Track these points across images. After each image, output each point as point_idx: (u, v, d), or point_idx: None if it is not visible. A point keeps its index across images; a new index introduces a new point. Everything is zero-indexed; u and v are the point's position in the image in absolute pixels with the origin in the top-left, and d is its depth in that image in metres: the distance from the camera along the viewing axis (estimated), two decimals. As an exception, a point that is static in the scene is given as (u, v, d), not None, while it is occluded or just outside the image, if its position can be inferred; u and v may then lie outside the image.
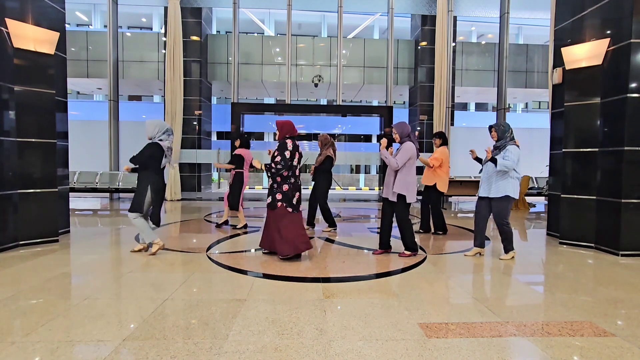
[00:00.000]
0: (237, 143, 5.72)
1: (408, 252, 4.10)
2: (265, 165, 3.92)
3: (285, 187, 3.90)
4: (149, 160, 3.96)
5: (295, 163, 3.94)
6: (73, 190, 9.17)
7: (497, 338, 2.21)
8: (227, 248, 4.52)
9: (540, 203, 10.27)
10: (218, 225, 5.91)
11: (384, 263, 3.92)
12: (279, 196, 3.89)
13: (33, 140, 4.45)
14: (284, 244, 3.85)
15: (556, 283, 3.34)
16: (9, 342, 2.08)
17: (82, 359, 1.93)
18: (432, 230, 5.60)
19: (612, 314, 2.61)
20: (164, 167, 4.14)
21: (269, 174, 3.90)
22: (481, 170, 4.20)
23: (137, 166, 4.04)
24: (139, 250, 4.19)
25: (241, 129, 10.26)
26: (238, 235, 5.33)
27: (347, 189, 17.31)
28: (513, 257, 4.11)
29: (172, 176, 9.83)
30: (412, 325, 2.36)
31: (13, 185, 4.30)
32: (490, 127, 4.14)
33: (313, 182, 5.74)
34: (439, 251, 4.51)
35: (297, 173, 4.01)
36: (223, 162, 5.77)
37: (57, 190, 4.73)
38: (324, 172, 5.58)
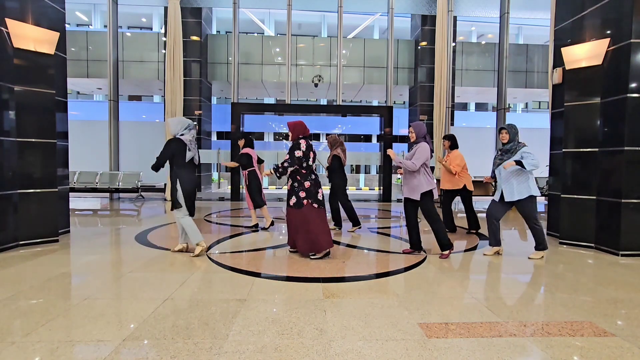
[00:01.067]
0: (242, 143, 5.72)
1: (447, 252, 4.11)
2: (274, 166, 3.95)
3: (307, 184, 3.93)
4: (172, 157, 3.92)
5: (310, 162, 3.98)
6: (73, 190, 9.17)
7: (497, 338, 2.21)
8: (227, 248, 4.52)
9: (540, 203, 10.26)
10: (251, 227, 5.79)
11: (384, 263, 3.92)
12: (302, 194, 3.91)
13: (33, 140, 4.45)
14: (314, 242, 3.89)
15: (556, 283, 3.34)
16: (9, 342, 2.08)
17: (82, 359, 1.93)
18: (467, 229, 5.78)
19: (612, 314, 2.61)
20: (192, 160, 4.02)
21: (278, 174, 3.91)
22: (493, 173, 4.22)
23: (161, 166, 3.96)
24: (180, 250, 4.18)
25: (241, 128, 10.27)
26: (239, 235, 5.33)
27: (347, 189, 17.32)
28: (543, 256, 4.13)
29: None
30: (412, 325, 2.36)
31: (13, 185, 4.30)
32: (502, 129, 4.10)
33: (330, 183, 5.81)
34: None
35: (315, 171, 4.06)
36: (222, 160, 5.79)
37: (57, 190, 4.73)
38: (335, 172, 5.63)
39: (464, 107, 23.36)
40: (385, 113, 10.29)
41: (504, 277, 3.54)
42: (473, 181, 5.67)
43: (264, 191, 5.93)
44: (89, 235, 5.35)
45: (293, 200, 3.95)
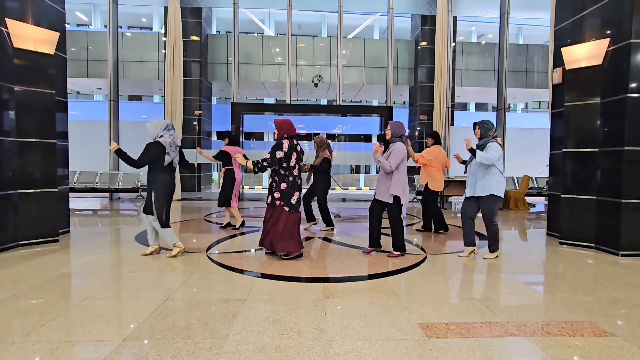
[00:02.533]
0: (226, 141, 5.69)
1: (397, 253, 4.11)
2: (254, 162, 3.88)
3: (284, 185, 3.89)
4: (152, 161, 3.87)
5: (292, 163, 3.90)
6: (73, 190, 9.17)
7: (497, 338, 2.21)
8: (227, 248, 4.52)
9: (540, 203, 10.26)
10: (223, 227, 5.86)
11: (384, 263, 3.92)
12: (277, 195, 3.90)
13: (33, 140, 4.45)
14: (284, 242, 3.87)
15: (556, 283, 3.34)
16: (9, 342, 2.08)
17: (82, 359, 1.93)
18: (433, 229, 5.61)
19: (612, 314, 2.61)
20: (171, 164, 3.96)
21: (255, 170, 3.86)
22: (465, 170, 4.21)
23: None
24: (151, 254, 4.05)
25: (241, 128, 10.27)
26: (239, 235, 5.33)
27: (347, 189, 17.30)
28: (497, 256, 4.10)
29: (172, 176, 9.82)
30: (412, 325, 2.36)
31: (13, 185, 4.30)
32: (475, 125, 4.09)
33: (311, 182, 5.81)
34: (438, 251, 4.51)
35: (296, 173, 3.98)
36: (198, 148, 5.74)
37: (57, 190, 4.73)
38: (322, 173, 5.63)
39: (464, 107, 23.35)
40: (385, 113, 10.29)
41: (504, 277, 3.54)
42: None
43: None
44: (89, 235, 5.35)
45: (269, 198, 3.95)
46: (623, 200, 4.29)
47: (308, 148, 15.09)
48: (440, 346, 2.10)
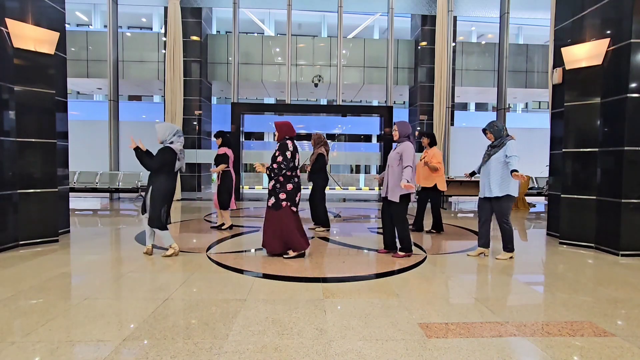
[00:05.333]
0: (219, 142, 5.59)
1: (402, 253, 4.09)
2: (267, 167, 3.89)
3: (290, 186, 3.91)
4: (163, 166, 3.87)
5: (296, 163, 3.96)
6: (73, 190, 9.17)
7: (497, 338, 2.21)
8: (227, 248, 4.52)
9: (540, 203, 10.26)
10: (216, 227, 5.84)
11: (384, 263, 3.92)
12: (282, 196, 3.88)
13: (33, 140, 4.45)
14: (288, 242, 3.89)
15: (556, 283, 3.34)
16: (9, 342, 2.08)
17: (82, 359, 1.93)
18: (425, 229, 5.64)
19: (612, 314, 2.61)
20: (177, 171, 4.03)
21: (272, 175, 3.88)
22: (476, 172, 4.20)
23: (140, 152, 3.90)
24: (146, 253, 4.06)
25: (241, 128, 10.27)
26: (238, 235, 5.33)
27: (347, 189, 17.30)
28: (512, 257, 4.09)
29: (172, 176, 9.82)
30: (412, 325, 2.36)
31: (13, 185, 4.30)
32: (484, 130, 4.09)
33: (310, 183, 5.74)
34: (438, 251, 4.51)
35: (298, 173, 4.03)
36: (213, 167, 5.68)
37: (57, 190, 4.73)
38: (319, 172, 5.57)
39: (464, 107, 23.34)
40: (385, 113, 10.29)
41: (504, 277, 3.54)
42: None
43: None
44: (89, 235, 5.35)
45: (272, 200, 3.92)
46: (623, 200, 4.29)
47: (307, 148, 15.10)
48: (440, 346, 2.10)
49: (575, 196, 4.82)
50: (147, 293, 2.89)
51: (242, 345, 2.07)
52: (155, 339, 2.13)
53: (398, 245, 4.17)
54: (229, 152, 5.54)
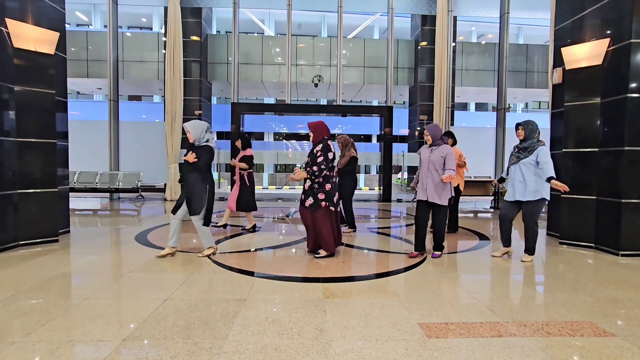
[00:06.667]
0: (239, 144, 5.60)
1: (439, 252, 4.13)
2: (307, 171, 3.86)
3: (328, 186, 3.91)
4: (209, 164, 3.89)
5: (335, 163, 4.02)
6: (73, 190, 9.17)
7: (497, 338, 2.21)
8: (227, 248, 4.52)
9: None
10: (219, 227, 5.83)
11: (383, 263, 3.92)
12: (321, 196, 3.87)
13: (33, 140, 4.45)
14: (323, 242, 3.93)
15: (556, 283, 3.34)
16: (9, 342, 2.08)
17: (82, 359, 1.93)
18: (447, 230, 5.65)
19: (612, 314, 2.61)
20: None
21: (314, 177, 3.85)
22: (504, 177, 4.22)
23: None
24: (165, 255, 3.97)
25: (241, 128, 10.27)
26: (238, 235, 5.33)
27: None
28: (532, 260, 4.05)
29: (172, 175, 9.83)
30: (412, 325, 2.36)
31: (13, 185, 4.30)
32: (518, 125, 3.99)
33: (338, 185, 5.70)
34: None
35: (335, 173, 4.08)
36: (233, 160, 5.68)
37: (57, 190, 4.73)
38: (349, 173, 5.51)
39: (464, 107, 23.35)
40: (385, 113, 10.29)
41: (504, 277, 3.54)
42: (469, 181, 5.62)
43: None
44: (89, 235, 5.35)
45: (310, 201, 3.88)
46: (623, 200, 4.29)
47: (307, 148, 15.08)
48: (440, 346, 2.10)
49: (575, 196, 4.82)
50: (147, 293, 2.89)
51: (242, 345, 2.07)
52: (155, 339, 2.13)
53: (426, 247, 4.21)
54: (252, 153, 5.57)
